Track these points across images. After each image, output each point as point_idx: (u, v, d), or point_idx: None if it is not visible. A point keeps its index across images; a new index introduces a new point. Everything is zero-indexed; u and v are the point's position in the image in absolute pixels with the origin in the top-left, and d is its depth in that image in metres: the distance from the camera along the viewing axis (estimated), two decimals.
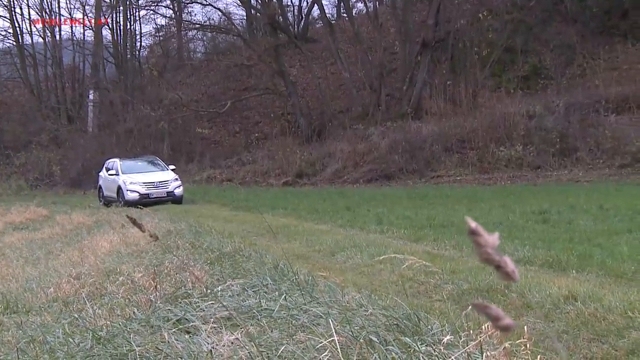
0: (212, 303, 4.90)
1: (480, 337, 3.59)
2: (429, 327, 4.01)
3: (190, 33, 50.93)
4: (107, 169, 26.34)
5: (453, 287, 7.07)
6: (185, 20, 46.72)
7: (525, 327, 3.80)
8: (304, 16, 47.48)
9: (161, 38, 49.74)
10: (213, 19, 47.92)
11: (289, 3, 47.62)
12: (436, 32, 33.83)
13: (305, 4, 47.45)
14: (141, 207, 14.92)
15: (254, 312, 4.55)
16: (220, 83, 44.93)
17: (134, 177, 24.63)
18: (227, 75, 45.00)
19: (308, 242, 11.47)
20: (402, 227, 12.84)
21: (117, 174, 25.16)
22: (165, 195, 24.15)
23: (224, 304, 4.76)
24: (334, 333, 3.44)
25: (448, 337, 3.74)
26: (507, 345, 3.56)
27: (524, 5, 33.80)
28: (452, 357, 3.45)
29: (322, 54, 42.03)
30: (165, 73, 47.10)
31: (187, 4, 45.26)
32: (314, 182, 30.53)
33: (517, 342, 3.77)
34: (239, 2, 43.50)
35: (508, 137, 27.61)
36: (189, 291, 5.64)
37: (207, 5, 43.03)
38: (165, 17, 49.47)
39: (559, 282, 6.83)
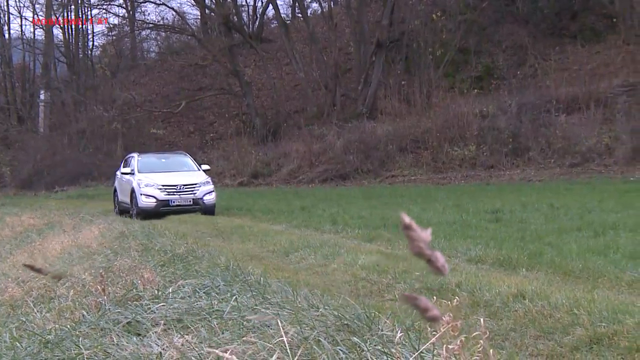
0: (162, 305, 4.87)
1: (432, 335, 3.61)
2: (380, 326, 4.04)
3: (143, 32, 50.34)
4: (124, 167, 20.53)
5: (405, 287, 7.12)
6: (139, 20, 46.24)
7: (482, 319, 3.82)
8: (258, 16, 47.31)
9: (114, 37, 49.11)
10: (167, 19, 47.64)
11: (244, 3, 47.44)
12: (390, 33, 34.07)
13: (260, 3, 47.29)
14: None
15: (205, 314, 4.53)
16: (174, 83, 44.61)
17: (152, 177, 18.94)
18: (181, 75, 44.73)
19: (262, 243, 11.46)
20: (357, 227, 12.91)
21: (132, 173, 19.48)
22: (191, 203, 18.57)
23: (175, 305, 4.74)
24: (283, 334, 3.44)
25: (399, 335, 3.76)
26: (462, 339, 3.58)
27: (477, 6, 34.20)
28: (402, 357, 3.47)
29: (277, 54, 41.98)
30: (118, 73, 46.61)
31: (140, 3, 44.81)
32: (269, 183, 30.53)
33: (473, 335, 3.81)
34: (193, 1, 43.31)
35: (461, 137, 27.90)
36: (140, 293, 5.59)
37: (160, 4, 42.72)
38: (118, 16, 48.89)
39: (509, 280, 6.92)
